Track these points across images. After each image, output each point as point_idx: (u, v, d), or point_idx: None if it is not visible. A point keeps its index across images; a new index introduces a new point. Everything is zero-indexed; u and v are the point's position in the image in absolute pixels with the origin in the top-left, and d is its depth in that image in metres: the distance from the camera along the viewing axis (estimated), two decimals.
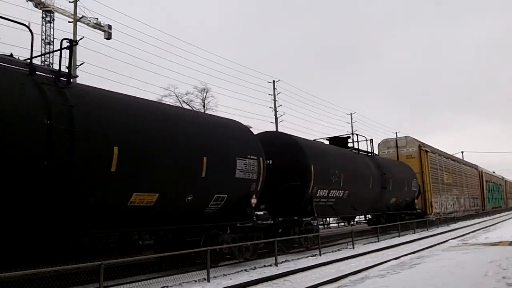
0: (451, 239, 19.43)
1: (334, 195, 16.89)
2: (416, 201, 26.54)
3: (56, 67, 9.32)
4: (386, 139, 31.26)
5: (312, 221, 16.01)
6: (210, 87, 41.54)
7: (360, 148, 22.41)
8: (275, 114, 42.60)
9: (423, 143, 29.68)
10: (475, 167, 45.01)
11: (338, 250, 16.05)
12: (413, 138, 29.74)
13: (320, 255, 14.13)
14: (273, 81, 43.25)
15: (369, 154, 22.66)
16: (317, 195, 15.69)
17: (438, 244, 17.70)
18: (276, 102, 42.81)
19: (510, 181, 75.98)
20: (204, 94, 41.27)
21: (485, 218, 41.57)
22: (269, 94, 43.05)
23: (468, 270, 9.85)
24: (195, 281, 9.75)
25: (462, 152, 64.34)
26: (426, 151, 28.87)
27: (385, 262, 12.42)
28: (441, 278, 8.90)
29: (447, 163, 34.26)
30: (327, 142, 21.54)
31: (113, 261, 8.24)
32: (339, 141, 21.61)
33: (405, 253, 14.32)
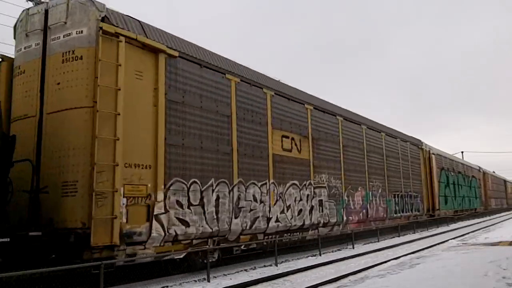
0: (451, 239, 19.44)
1: None
2: None
3: None
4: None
5: None
6: None
7: None
8: None
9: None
10: (416, 143, 27.12)
11: (338, 250, 16.05)
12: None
13: (320, 255, 14.13)
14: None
15: None
16: None
17: (438, 244, 17.71)
18: None
19: (510, 180, 74.70)
20: None
21: (485, 218, 41.51)
22: None
23: (468, 270, 9.85)
24: (195, 281, 9.75)
25: (462, 152, 64.04)
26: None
27: (385, 262, 12.43)
28: (441, 278, 8.90)
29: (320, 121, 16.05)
30: None
31: (113, 261, 8.22)
32: None
33: (405, 253, 14.33)
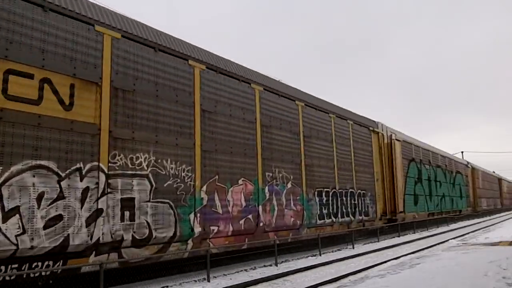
0: (451, 239, 19.45)
1: None
2: None
3: None
4: None
5: None
6: None
7: None
8: None
9: None
10: (367, 124, 20.45)
11: (338, 250, 16.04)
12: None
13: (320, 255, 14.13)
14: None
15: None
16: None
17: (438, 244, 17.73)
18: None
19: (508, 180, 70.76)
20: None
21: (484, 218, 41.50)
22: None
23: (468, 270, 9.85)
24: (195, 281, 9.76)
25: (462, 152, 64.01)
26: None
27: (385, 262, 12.44)
28: (441, 278, 8.90)
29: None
30: None
31: (113, 261, 8.23)
32: None
33: (405, 253, 14.34)
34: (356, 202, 18.24)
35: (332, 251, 15.63)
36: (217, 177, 11.03)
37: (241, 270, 11.28)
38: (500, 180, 61.49)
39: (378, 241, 18.85)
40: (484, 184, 47.38)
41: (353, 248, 16.33)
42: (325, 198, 15.88)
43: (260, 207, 12.46)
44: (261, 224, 12.40)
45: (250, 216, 12.02)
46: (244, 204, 11.83)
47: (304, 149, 15.07)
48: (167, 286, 9.16)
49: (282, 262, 12.65)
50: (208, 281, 9.57)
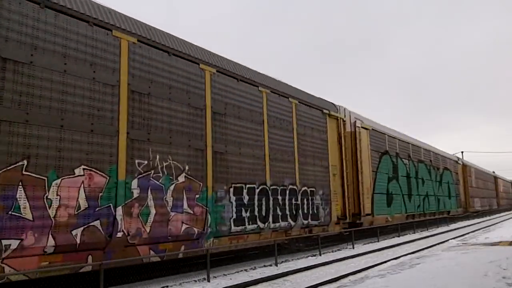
0: (451, 239, 19.46)
1: None
2: None
3: None
4: None
5: None
6: None
7: None
8: None
9: None
10: (320, 106, 16.35)
11: (338, 250, 16.05)
12: None
13: (320, 255, 14.14)
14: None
15: None
16: None
17: (438, 244, 17.74)
18: None
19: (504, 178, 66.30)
20: None
21: (484, 218, 41.50)
22: None
23: (468, 270, 9.85)
24: (195, 281, 9.76)
25: (462, 152, 63.99)
26: None
27: (385, 262, 12.44)
28: (441, 278, 8.90)
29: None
30: None
31: (113, 261, 8.23)
32: None
33: (405, 253, 14.35)
34: (299, 202, 13.96)
35: (332, 251, 15.63)
36: (25, 162, 7.13)
37: (241, 270, 11.28)
38: (496, 178, 58.09)
39: (378, 241, 18.87)
40: (478, 182, 43.68)
41: (353, 248, 16.34)
42: (247, 197, 11.80)
43: (120, 209, 8.37)
44: (119, 235, 8.29)
45: (96, 223, 7.95)
46: (86, 205, 7.83)
47: (213, 130, 10.99)
48: (167, 286, 9.16)
49: (282, 262, 12.65)
50: (208, 281, 9.58)
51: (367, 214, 18.19)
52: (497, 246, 15.46)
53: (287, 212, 13.40)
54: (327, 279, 9.74)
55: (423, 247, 16.46)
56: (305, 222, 14.26)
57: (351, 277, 10.13)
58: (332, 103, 17.78)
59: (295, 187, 13.97)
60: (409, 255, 13.88)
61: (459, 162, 37.38)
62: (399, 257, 13.41)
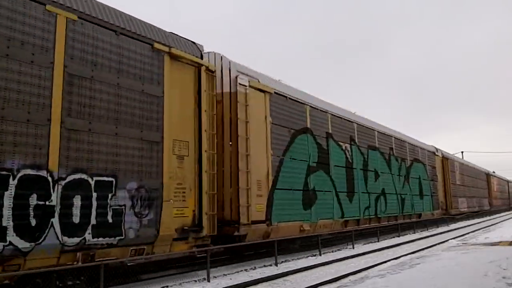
0: (451, 239, 19.45)
1: None
2: None
3: None
4: None
5: None
6: None
7: None
8: None
9: None
10: (144, 37, 9.03)
11: (338, 250, 16.04)
12: None
13: (320, 255, 14.13)
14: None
15: None
16: None
17: (438, 244, 17.73)
18: None
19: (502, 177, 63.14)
20: None
21: (484, 218, 41.50)
22: None
23: (468, 270, 9.85)
24: (195, 280, 9.75)
25: (462, 152, 63.86)
26: None
27: (385, 262, 12.43)
28: (441, 278, 8.89)
29: None
30: None
31: (113, 261, 8.22)
32: None
33: (405, 253, 14.34)
34: (54, 203, 7.06)
35: (332, 251, 15.63)
36: None
37: (241, 270, 11.27)
38: (488, 175, 50.84)
39: (378, 241, 18.85)
40: (463, 179, 36.31)
41: (353, 248, 16.33)
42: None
43: None
44: None
45: None
46: None
47: None
48: (167, 286, 9.16)
49: (282, 262, 12.63)
50: (208, 281, 9.57)
51: (257, 222, 11.84)
52: (497, 246, 15.46)
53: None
54: (327, 279, 9.73)
55: (423, 247, 16.45)
56: (71, 240, 7.30)
57: (351, 277, 10.13)
58: (192, 42, 10.67)
59: (43, 173, 7.02)
60: (409, 255, 13.87)
61: (438, 153, 30.55)
62: (399, 257, 13.40)
